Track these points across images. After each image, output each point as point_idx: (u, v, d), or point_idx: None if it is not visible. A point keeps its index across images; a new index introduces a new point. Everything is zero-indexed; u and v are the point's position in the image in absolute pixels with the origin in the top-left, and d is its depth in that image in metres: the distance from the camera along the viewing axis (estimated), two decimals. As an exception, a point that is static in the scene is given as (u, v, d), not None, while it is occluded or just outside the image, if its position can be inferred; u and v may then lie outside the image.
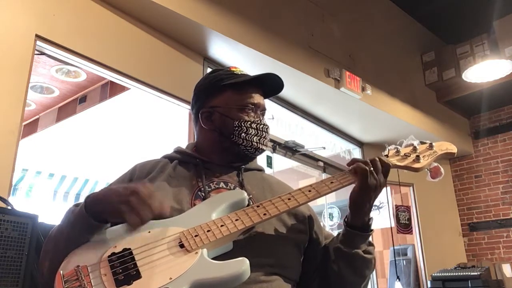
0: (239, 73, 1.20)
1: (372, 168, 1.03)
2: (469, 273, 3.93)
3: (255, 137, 1.16)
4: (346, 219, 1.09)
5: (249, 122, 1.15)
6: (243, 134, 1.15)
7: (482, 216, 5.20)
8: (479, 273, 3.87)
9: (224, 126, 1.16)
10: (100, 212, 0.92)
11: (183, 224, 0.96)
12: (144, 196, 0.91)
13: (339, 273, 1.07)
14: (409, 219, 4.57)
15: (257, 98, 1.18)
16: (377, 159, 1.06)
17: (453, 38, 4.88)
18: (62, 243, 0.95)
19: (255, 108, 1.18)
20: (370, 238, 1.09)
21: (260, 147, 1.18)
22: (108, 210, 0.92)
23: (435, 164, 1.14)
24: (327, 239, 1.17)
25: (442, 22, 4.92)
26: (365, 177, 1.02)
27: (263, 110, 1.21)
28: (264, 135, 1.18)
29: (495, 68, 4.15)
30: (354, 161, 1.07)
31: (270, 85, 1.21)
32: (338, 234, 1.11)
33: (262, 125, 1.17)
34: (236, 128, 1.15)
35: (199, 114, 1.20)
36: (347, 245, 1.06)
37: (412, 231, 4.62)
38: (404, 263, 4.65)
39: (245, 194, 1.04)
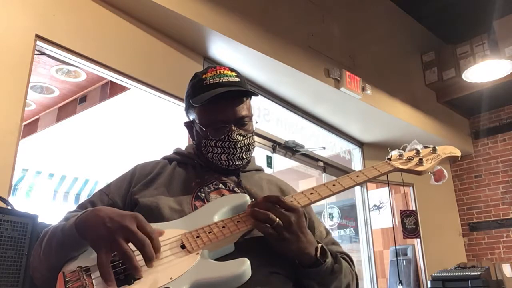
0: (208, 81, 1.14)
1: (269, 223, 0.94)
2: (469, 273, 3.93)
3: (223, 155, 1.13)
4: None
5: (214, 141, 1.13)
6: (209, 154, 1.15)
7: (482, 216, 5.20)
8: (479, 273, 3.86)
9: (198, 142, 1.19)
10: (84, 237, 0.89)
11: (185, 226, 0.97)
12: (134, 233, 0.85)
13: None
14: (416, 223, 4.52)
15: (223, 112, 1.12)
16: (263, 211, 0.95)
17: (453, 38, 4.88)
18: (51, 254, 0.94)
19: (223, 123, 1.12)
20: (331, 268, 1.00)
21: (231, 164, 1.15)
22: (90, 239, 0.88)
23: (439, 167, 1.13)
24: (322, 240, 1.16)
25: (442, 22, 4.92)
26: (269, 232, 0.95)
27: (240, 119, 1.13)
28: (232, 151, 1.13)
29: (495, 68, 4.15)
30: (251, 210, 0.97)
31: (234, 92, 1.13)
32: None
33: (228, 142, 1.12)
34: (204, 148, 1.16)
35: (184, 125, 1.23)
36: (303, 276, 1.01)
37: (419, 235, 4.57)
38: (404, 263, 4.65)
39: (248, 197, 1.04)
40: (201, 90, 1.14)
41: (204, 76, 1.16)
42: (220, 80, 1.14)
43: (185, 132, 1.27)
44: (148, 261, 0.85)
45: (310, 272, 0.99)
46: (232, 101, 1.13)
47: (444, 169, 1.13)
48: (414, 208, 4.87)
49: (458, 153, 1.17)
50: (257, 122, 1.20)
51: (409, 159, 1.13)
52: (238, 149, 1.13)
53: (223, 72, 1.17)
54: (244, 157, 1.16)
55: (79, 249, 0.92)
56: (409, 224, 4.48)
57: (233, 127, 1.13)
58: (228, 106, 1.12)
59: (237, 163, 1.15)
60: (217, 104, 1.11)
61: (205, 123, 1.14)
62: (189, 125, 1.22)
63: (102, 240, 0.85)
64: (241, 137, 1.13)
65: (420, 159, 1.12)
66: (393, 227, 4.67)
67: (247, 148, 1.16)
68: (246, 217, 0.98)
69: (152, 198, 1.07)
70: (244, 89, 1.14)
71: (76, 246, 0.91)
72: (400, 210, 4.55)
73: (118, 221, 0.86)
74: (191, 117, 1.20)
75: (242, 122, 1.15)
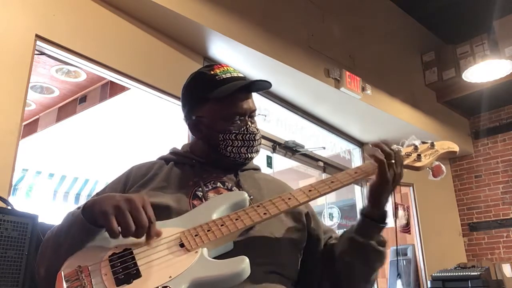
0: (221, 76, 1.13)
1: (392, 160, 1.02)
2: (469, 273, 3.93)
3: (242, 148, 1.13)
4: (362, 210, 1.07)
5: (234, 134, 1.12)
6: (229, 147, 1.13)
7: (482, 216, 5.20)
8: (479, 273, 3.87)
9: (211, 138, 1.15)
10: (91, 214, 0.91)
11: (183, 224, 0.97)
12: (137, 204, 0.89)
13: (350, 263, 1.05)
14: (407, 218, 4.53)
15: (241, 105, 1.13)
16: (393, 152, 1.04)
17: (453, 38, 4.88)
18: (60, 245, 0.95)
19: (240, 116, 1.13)
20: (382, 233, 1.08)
21: (250, 156, 1.15)
22: (97, 211, 0.90)
23: (437, 162, 1.12)
24: (326, 233, 1.17)
25: (442, 22, 4.92)
26: (384, 169, 1.01)
27: (252, 112, 1.16)
28: (252, 143, 1.14)
29: (495, 68, 4.15)
30: (373, 150, 1.04)
31: (255, 85, 1.16)
32: (353, 225, 1.09)
33: (248, 134, 1.13)
34: (222, 142, 1.13)
35: (187, 124, 1.21)
36: (362, 235, 1.04)
37: (410, 230, 4.58)
38: (404, 263, 4.64)
39: (246, 195, 1.04)
40: (217, 84, 1.12)
41: (212, 72, 1.16)
42: (232, 75, 1.15)
43: (185, 132, 1.26)
44: (152, 216, 0.90)
45: (380, 228, 1.05)
46: (246, 94, 1.15)
47: (442, 165, 1.12)
48: (414, 208, 4.87)
49: (456, 148, 1.17)
50: (266, 116, 1.22)
51: (407, 155, 1.12)
52: (256, 141, 1.15)
53: (230, 68, 1.18)
54: (259, 150, 1.18)
55: (89, 236, 0.92)
56: (403, 219, 4.48)
57: (248, 120, 1.14)
58: (244, 100, 1.14)
59: (254, 155, 1.17)
60: (236, 97, 1.12)
61: (225, 117, 1.12)
62: (194, 123, 1.18)
63: (108, 207, 0.88)
64: (256, 130, 1.15)
65: (418, 155, 1.11)
66: (395, 227, 4.66)
67: (260, 141, 1.18)
68: (244, 215, 0.97)
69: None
70: (265, 81, 1.15)
71: (85, 234, 0.92)
72: (395, 203, 4.53)
73: (126, 195, 0.92)
74: (197, 114, 1.17)
75: (253, 115, 1.17)
